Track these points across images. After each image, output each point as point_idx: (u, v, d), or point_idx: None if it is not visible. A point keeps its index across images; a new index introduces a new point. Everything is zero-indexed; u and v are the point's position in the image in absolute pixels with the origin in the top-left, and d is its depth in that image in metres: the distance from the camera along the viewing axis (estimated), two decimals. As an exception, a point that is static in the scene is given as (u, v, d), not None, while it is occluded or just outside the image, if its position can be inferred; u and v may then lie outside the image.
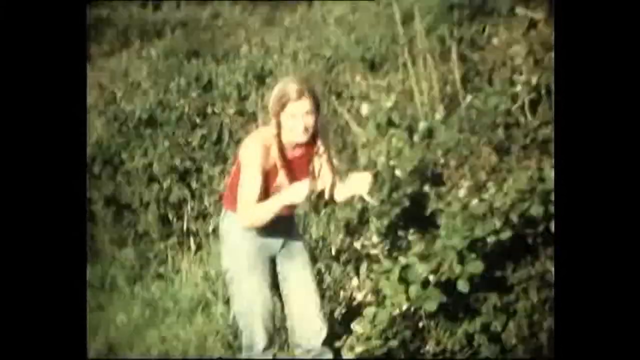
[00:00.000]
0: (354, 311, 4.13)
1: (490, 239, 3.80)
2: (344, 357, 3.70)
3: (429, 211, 4.33)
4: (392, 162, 5.08)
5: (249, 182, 3.46)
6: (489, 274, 3.83)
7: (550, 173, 3.84)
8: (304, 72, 7.21)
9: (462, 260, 3.70)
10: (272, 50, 8.28)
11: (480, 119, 5.13)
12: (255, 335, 3.63)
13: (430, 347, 3.85)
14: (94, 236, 6.89)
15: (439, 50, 6.17)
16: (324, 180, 3.65)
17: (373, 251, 4.24)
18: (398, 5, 6.45)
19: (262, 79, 7.70)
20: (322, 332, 3.71)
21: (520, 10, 6.33)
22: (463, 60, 6.04)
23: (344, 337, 3.76)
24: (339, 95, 6.65)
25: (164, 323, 5.31)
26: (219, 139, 7.09)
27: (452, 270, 3.67)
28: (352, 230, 4.98)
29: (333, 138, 6.22)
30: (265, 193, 3.50)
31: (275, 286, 3.71)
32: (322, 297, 4.48)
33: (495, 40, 6.02)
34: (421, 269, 3.68)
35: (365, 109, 5.71)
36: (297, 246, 3.75)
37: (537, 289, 3.81)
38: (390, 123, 5.53)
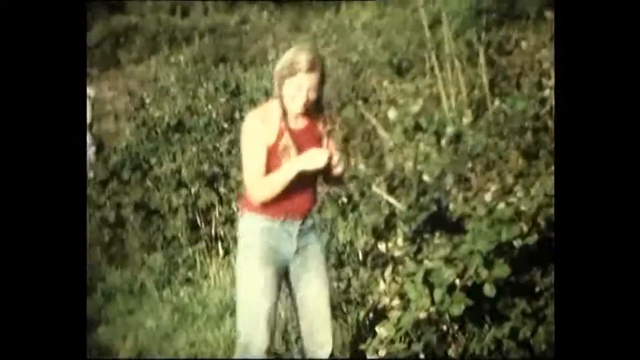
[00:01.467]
0: (379, 315, 4.12)
1: (517, 243, 3.78)
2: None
3: (455, 215, 4.31)
4: (419, 167, 5.07)
5: (252, 155, 3.37)
6: (517, 278, 3.80)
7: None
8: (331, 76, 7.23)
9: (488, 264, 3.68)
10: (299, 56, 8.29)
11: (508, 123, 5.11)
12: (254, 333, 3.51)
13: (455, 352, 3.82)
14: (123, 241, 6.95)
15: (467, 55, 6.17)
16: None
17: (398, 254, 4.22)
18: (425, 10, 6.45)
19: (289, 84, 7.71)
20: (327, 347, 3.62)
21: (548, 14, 6.29)
22: (491, 64, 6.03)
23: (368, 340, 3.75)
24: (365, 100, 6.66)
25: (192, 327, 5.33)
26: (247, 145, 7.09)
27: (479, 275, 3.66)
28: (379, 234, 4.98)
29: (359, 143, 6.23)
30: (268, 170, 3.38)
31: (279, 291, 3.58)
32: (349, 301, 4.49)
33: (523, 44, 6.00)
34: (447, 273, 3.67)
35: (392, 113, 5.70)
36: (313, 254, 3.60)
37: (565, 293, 3.77)
38: (417, 128, 5.52)
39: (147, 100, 8.36)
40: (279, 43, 8.79)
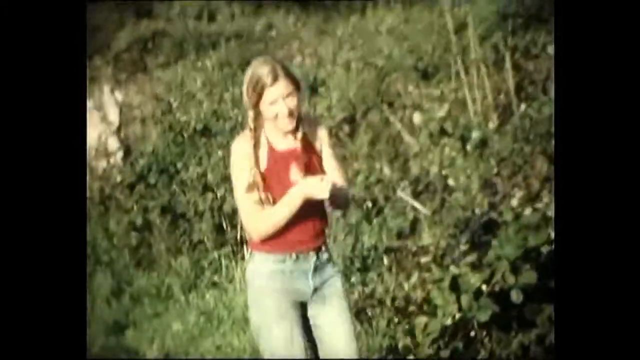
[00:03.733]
0: (406, 320, 4.13)
1: (545, 249, 3.77)
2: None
3: (481, 221, 4.31)
4: (444, 172, 5.07)
5: (245, 188, 3.07)
6: (544, 284, 3.79)
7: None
8: (356, 82, 7.23)
9: (515, 270, 3.68)
10: (324, 61, 8.31)
11: (534, 128, 5.10)
12: None
13: (483, 358, 3.82)
14: (150, 245, 7.01)
15: (493, 59, 6.14)
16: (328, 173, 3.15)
17: (424, 260, 4.23)
18: (451, 15, 6.43)
19: (315, 89, 7.73)
20: None
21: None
22: (517, 69, 6.00)
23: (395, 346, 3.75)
24: (391, 105, 6.65)
25: (218, 331, 5.37)
26: (273, 149, 7.13)
27: (506, 281, 3.65)
28: (404, 239, 4.98)
29: (384, 147, 6.23)
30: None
31: (307, 333, 3.20)
32: (374, 306, 4.50)
33: (549, 49, 5.96)
34: (473, 279, 3.67)
35: (417, 118, 5.71)
36: (332, 290, 3.21)
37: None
38: (442, 132, 5.52)
39: (174, 105, 8.41)
40: (304, 48, 8.81)
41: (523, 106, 5.44)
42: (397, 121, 6.23)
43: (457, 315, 3.67)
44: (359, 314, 4.48)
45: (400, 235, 5.08)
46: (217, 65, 9.04)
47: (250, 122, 3.12)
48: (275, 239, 3.11)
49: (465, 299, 3.63)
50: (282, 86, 3.03)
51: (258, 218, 3.07)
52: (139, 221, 7.12)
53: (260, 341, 3.20)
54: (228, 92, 8.21)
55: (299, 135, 3.14)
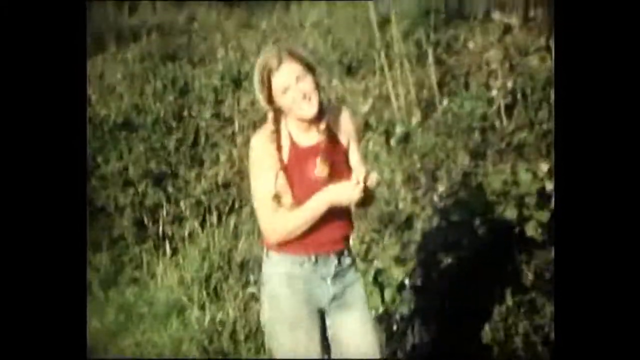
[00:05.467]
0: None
1: (465, 242, 3.81)
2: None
3: (404, 215, 4.34)
4: (368, 166, 5.07)
5: (263, 186, 2.83)
6: (466, 277, 3.84)
7: (524, 176, 3.86)
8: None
9: (437, 263, 3.71)
10: (248, 54, 8.26)
11: (456, 123, 5.16)
12: None
13: (406, 351, 3.84)
14: (68, 240, 6.85)
15: (416, 55, 6.20)
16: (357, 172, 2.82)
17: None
18: (375, 10, 6.46)
19: (238, 82, 7.68)
20: None
21: (495, 16, 6.38)
22: (439, 64, 6.07)
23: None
24: (315, 99, 6.65)
25: (138, 328, 5.27)
26: (195, 143, 7.06)
27: (429, 274, 3.68)
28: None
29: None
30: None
31: (324, 343, 2.96)
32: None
33: (471, 45, 6.05)
34: (396, 273, 3.69)
35: (341, 112, 5.69)
36: (355, 297, 2.97)
37: (511, 292, 3.82)
38: (367, 127, 5.54)
39: (94, 98, 8.23)
40: (228, 41, 8.74)
41: (445, 101, 5.50)
42: (321, 115, 6.22)
43: (381, 309, 3.68)
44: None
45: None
46: (139, 58, 8.90)
47: (270, 118, 2.87)
48: (293, 240, 2.87)
49: (388, 293, 3.65)
50: (290, 69, 2.81)
51: (277, 221, 2.84)
52: (56, 216, 6.94)
53: (272, 346, 2.98)
54: (149, 84, 8.09)
55: (322, 126, 2.89)
